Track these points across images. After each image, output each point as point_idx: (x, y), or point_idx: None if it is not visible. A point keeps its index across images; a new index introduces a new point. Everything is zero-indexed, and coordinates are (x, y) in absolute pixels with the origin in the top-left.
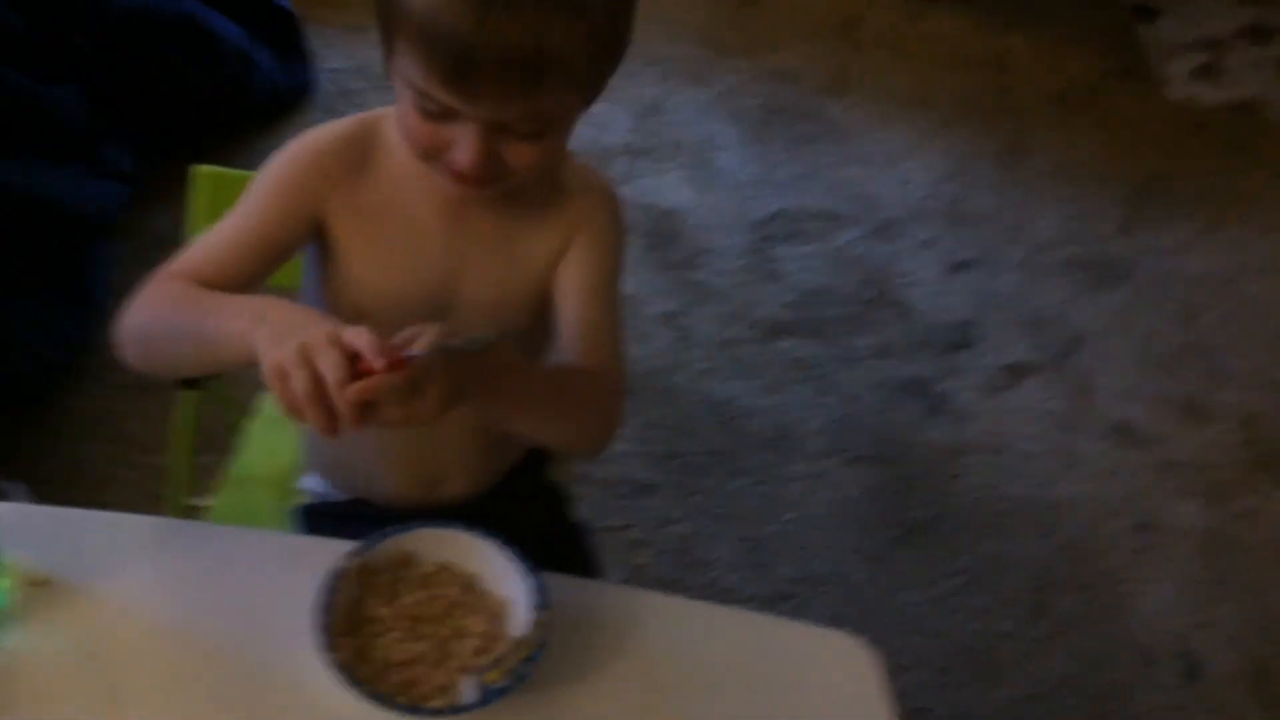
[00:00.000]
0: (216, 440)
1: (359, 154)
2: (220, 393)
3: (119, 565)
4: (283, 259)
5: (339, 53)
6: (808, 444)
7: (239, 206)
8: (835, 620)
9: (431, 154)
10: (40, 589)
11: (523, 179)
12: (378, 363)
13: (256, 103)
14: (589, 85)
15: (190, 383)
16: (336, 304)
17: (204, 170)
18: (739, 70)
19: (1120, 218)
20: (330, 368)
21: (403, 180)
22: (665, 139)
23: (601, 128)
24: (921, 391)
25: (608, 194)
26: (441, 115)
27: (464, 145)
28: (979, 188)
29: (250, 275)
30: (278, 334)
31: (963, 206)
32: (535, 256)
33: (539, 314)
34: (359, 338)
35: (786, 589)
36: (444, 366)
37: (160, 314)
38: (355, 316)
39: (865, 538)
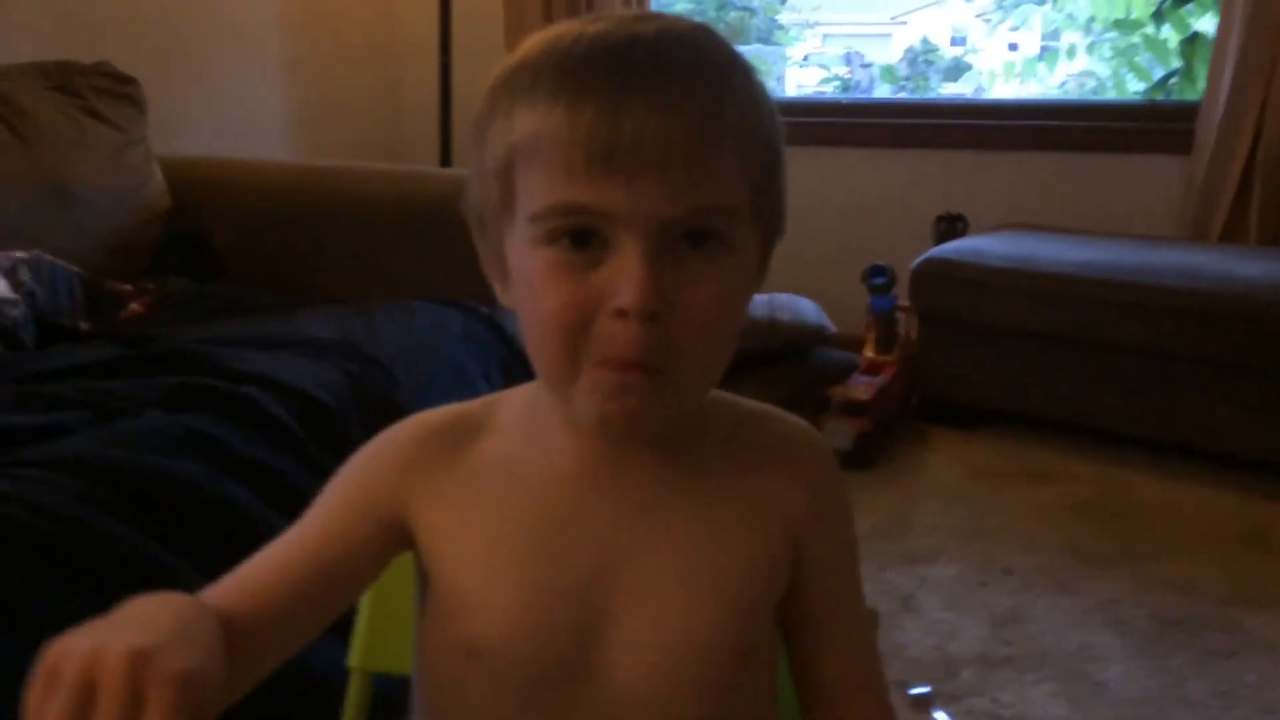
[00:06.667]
0: None
1: (455, 436)
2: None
3: None
4: (341, 588)
5: None
6: None
7: (294, 525)
8: None
9: (577, 326)
10: None
11: (703, 358)
12: None
13: None
14: (757, 182)
15: None
16: (440, 649)
17: None
18: (1115, 579)
19: None
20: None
21: (516, 453)
22: (1029, 648)
23: (947, 635)
24: None
25: (822, 454)
26: (585, 241)
27: (626, 273)
28: None
29: (293, 607)
30: (90, 626)
31: None
32: (740, 564)
33: (745, 650)
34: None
35: None
36: None
37: None
38: (466, 660)
39: None
